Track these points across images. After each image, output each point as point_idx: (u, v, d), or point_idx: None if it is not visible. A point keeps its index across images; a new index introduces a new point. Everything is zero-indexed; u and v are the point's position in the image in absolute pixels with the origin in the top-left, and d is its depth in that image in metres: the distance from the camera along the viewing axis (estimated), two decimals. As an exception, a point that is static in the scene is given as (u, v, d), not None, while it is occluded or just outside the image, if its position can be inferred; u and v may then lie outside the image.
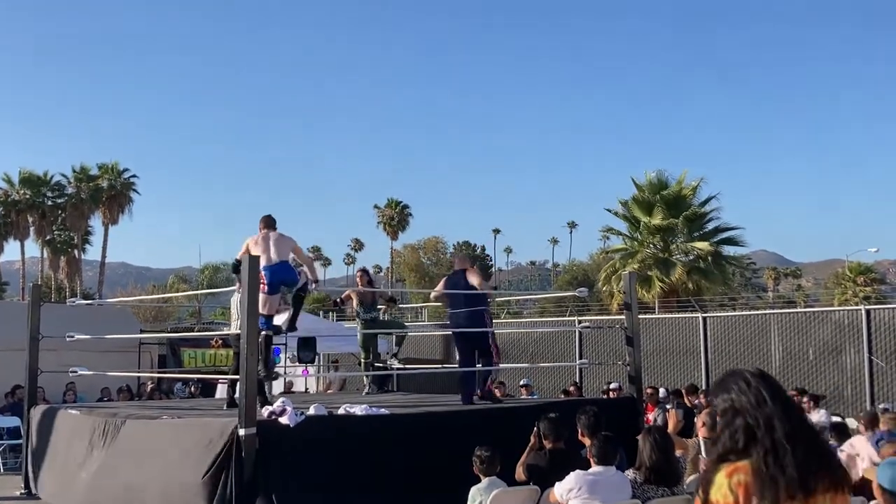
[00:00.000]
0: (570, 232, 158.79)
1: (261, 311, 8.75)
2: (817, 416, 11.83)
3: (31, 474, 10.62)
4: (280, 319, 10.34)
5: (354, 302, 12.81)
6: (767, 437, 2.49)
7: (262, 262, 8.87)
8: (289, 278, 9.68)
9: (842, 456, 7.61)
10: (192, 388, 17.14)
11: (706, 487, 2.52)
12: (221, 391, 11.50)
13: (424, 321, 30.61)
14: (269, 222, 9.74)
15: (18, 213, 53.53)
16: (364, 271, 13.21)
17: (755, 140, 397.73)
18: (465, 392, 9.90)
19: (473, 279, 9.95)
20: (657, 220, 27.33)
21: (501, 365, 10.37)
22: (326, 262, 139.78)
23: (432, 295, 10.74)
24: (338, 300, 13.78)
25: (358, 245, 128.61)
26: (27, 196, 53.35)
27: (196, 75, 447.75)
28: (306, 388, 18.34)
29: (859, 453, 8.32)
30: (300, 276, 9.83)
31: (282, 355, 15.52)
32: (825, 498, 2.43)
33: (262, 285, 8.79)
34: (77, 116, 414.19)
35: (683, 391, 14.36)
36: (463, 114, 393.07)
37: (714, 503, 2.50)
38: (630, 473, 6.04)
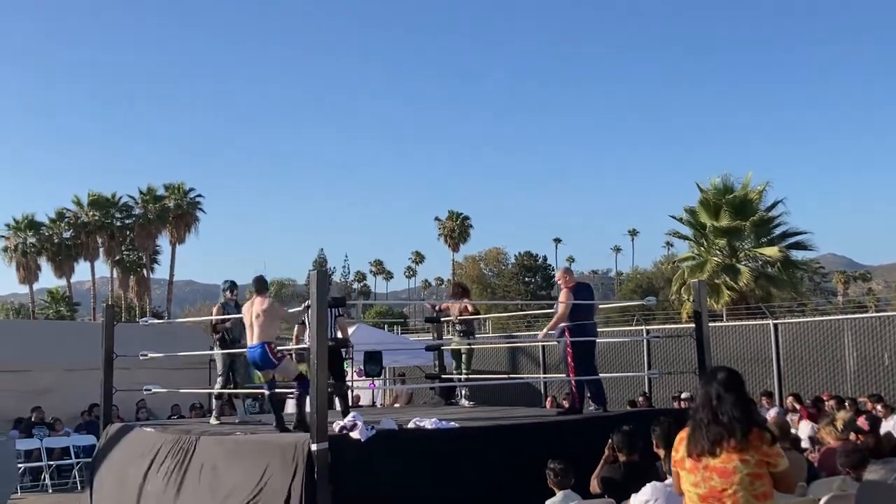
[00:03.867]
0: (632, 240, 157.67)
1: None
2: (894, 423, 11.47)
3: (95, 489, 10.76)
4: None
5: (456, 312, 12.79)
6: (694, 418, 4.07)
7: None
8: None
9: None
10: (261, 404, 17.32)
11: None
12: (291, 405, 11.61)
13: (489, 333, 30.60)
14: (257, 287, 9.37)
15: (88, 235, 54.81)
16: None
17: (819, 142, 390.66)
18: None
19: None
20: (723, 223, 26.95)
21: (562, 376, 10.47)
22: (388, 276, 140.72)
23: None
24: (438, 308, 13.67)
25: (419, 258, 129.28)
26: (96, 218, 54.61)
27: (257, 94, 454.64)
28: (373, 402, 18.42)
29: None
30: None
31: (349, 369, 15.62)
32: (730, 457, 3.88)
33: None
34: (143, 137, 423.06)
35: (762, 399, 14.08)
36: (521, 125, 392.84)
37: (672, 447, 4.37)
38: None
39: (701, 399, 4.11)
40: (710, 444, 3.94)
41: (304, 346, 8.98)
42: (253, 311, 9.02)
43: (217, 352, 11.10)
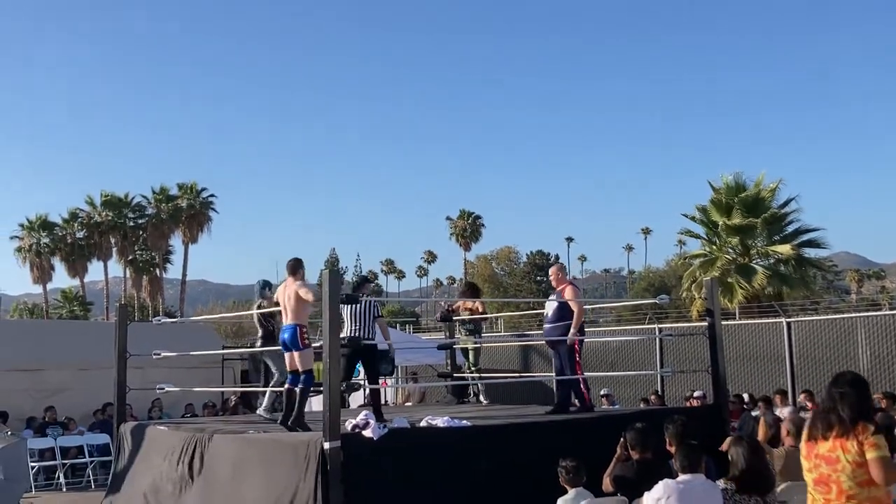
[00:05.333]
0: (645, 238, 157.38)
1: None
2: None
3: (115, 491, 10.81)
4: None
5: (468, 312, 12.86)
6: (816, 410, 4.63)
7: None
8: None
9: None
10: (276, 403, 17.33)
11: None
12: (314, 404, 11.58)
13: (501, 331, 30.60)
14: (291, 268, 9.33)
15: (101, 235, 55.03)
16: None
17: (832, 139, 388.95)
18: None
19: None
20: (735, 221, 26.83)
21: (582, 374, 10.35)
22: (400, 275, 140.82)
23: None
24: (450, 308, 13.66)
25: (431, 257, 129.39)
26: (109, 217, 54.83)
27: (269, 93, 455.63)
28: (385, 401, 18.43)
29: None
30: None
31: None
32: (837, 442, 4.23)
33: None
34: (156, 137, 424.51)
35: (775, 398, 14.01)
36: (533, 123, 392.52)
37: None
38: (722, 483, 5.93)
39: (826, 393, 4.50)
40: (822, 430, 4.33)
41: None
42: (286, 293, 9.07)
43: (265, 348, 11.09)
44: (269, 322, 11.02)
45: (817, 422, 4.41)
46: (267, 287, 11.35)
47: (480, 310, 12.85)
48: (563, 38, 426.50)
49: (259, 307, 11.14)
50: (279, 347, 10.41)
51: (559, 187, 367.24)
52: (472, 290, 13.43)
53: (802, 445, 4.51)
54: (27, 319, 57.19)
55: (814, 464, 4.34)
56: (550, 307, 10.37)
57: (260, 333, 11.24)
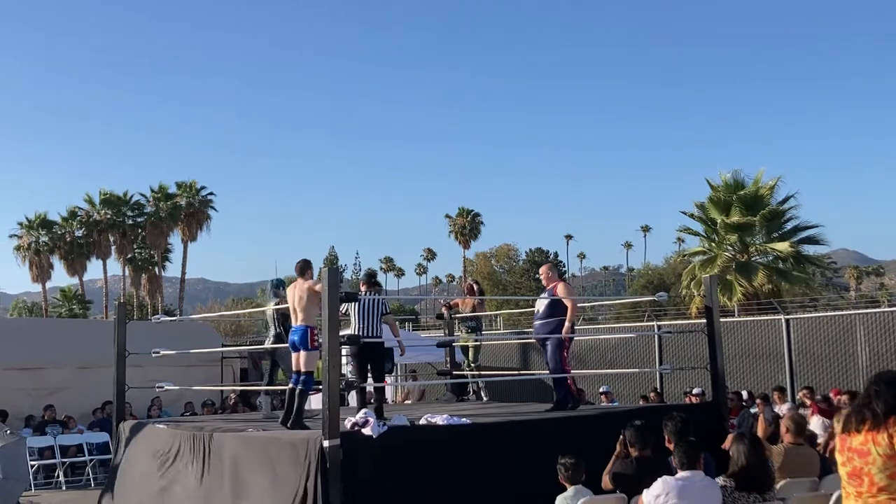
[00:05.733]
0: (644, 236, 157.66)
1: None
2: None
3: (113, 489, 10.81)
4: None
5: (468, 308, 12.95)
6: (852, 404, 4.42)
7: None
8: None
9: None
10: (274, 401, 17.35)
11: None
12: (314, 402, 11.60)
13: (500, 329, 30.60)
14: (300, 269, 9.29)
15: (100, 233, 54.92)
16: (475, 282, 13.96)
17: (831, 136, 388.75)
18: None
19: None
20: (734, 219, 26.83)
21: (580, 371, 10.37)
22: (399, 273, 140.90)
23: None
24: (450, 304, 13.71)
25: (430, 254, 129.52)
26: (108, 216, 54.73)
27: (267, 93, 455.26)
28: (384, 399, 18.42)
29: None
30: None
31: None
32: (868, 436, 4.14)
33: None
34: (155, 136, 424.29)
35: (773, 395, 14.02)
36: (532, 121, 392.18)
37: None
38: (721, 480, 5.93)
39: (864, 390, 4.46)
40: (855, 424, 4.27)
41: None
42: (296, 294, 9.07)
43: (275, 345, 11.13)
44: (283, 322, 11.02)
45: (851, 416, 4.39)
46: (280, 286, 11.39)
47: (471, 305, 12.95)
48: (564, 39, 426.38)
49: (277, 305, 11.17)
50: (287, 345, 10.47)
51: (559, 185, 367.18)
52: (471, 288, 13.54)
53: (836, 439, 4.50)
54: (26, 318, 57.22)
55: (847, 457, 4.34)
56: (541, 304, 10.40)
57: (271, 332, 11.27)
